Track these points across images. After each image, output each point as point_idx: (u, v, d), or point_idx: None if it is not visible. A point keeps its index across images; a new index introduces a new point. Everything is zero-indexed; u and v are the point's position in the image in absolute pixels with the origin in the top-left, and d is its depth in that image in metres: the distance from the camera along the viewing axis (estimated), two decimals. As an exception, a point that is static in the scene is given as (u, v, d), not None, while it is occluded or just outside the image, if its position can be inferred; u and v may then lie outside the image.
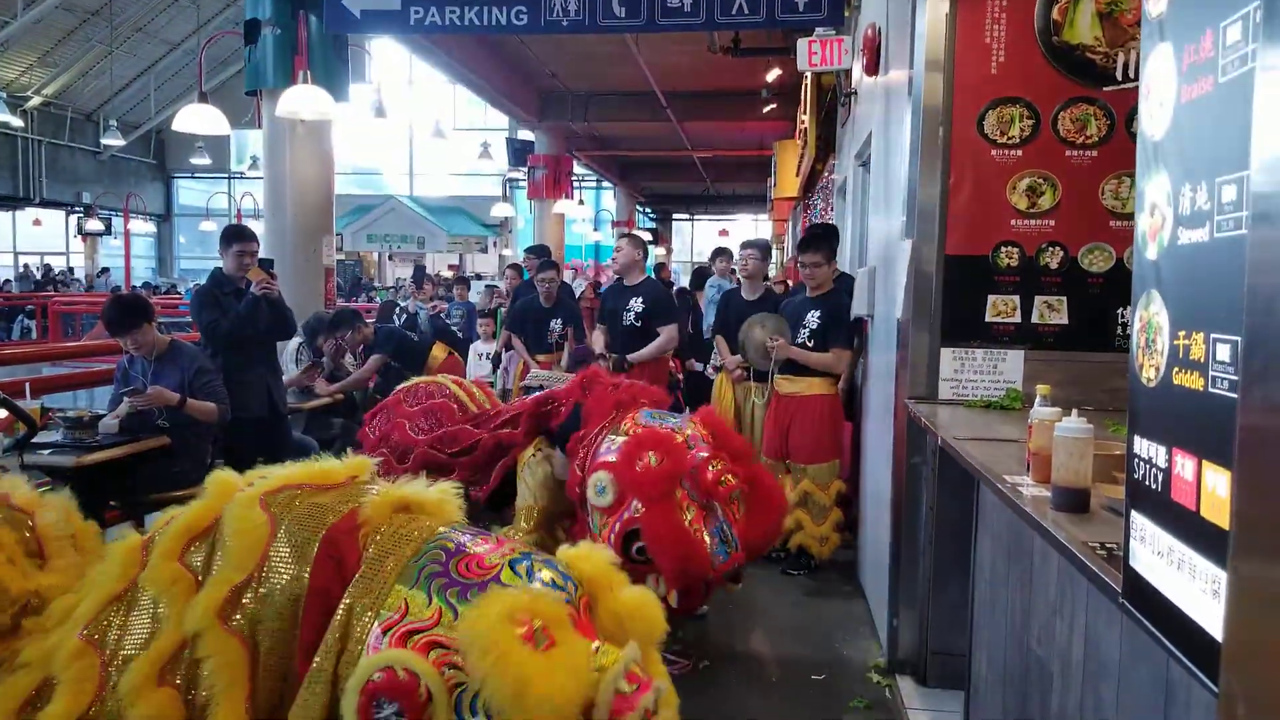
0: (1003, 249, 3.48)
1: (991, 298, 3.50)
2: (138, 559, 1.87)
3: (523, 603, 1.63)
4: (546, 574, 1.79)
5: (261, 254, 5.27)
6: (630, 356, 5.74)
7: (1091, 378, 3.40)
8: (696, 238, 30.43)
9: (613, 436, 3.68)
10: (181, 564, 1.81)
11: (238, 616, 1.74)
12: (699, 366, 7.72)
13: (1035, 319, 3.49)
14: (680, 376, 7.41)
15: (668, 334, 5.80)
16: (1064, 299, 3.47)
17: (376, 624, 1.68)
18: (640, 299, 5.83)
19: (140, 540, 1.92)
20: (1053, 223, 3.45)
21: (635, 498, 3.36)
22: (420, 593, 1.69)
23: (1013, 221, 3.47)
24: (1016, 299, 3.50)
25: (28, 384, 5.07)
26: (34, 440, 3.91)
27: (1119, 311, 3.41)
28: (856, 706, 3.49)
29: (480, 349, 7.56)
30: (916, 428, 3.50)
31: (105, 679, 1.76)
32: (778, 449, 5.03)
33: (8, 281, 22.02)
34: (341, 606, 1.72)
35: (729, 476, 3.50)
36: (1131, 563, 1.34)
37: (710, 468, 3.48)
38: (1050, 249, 3.46)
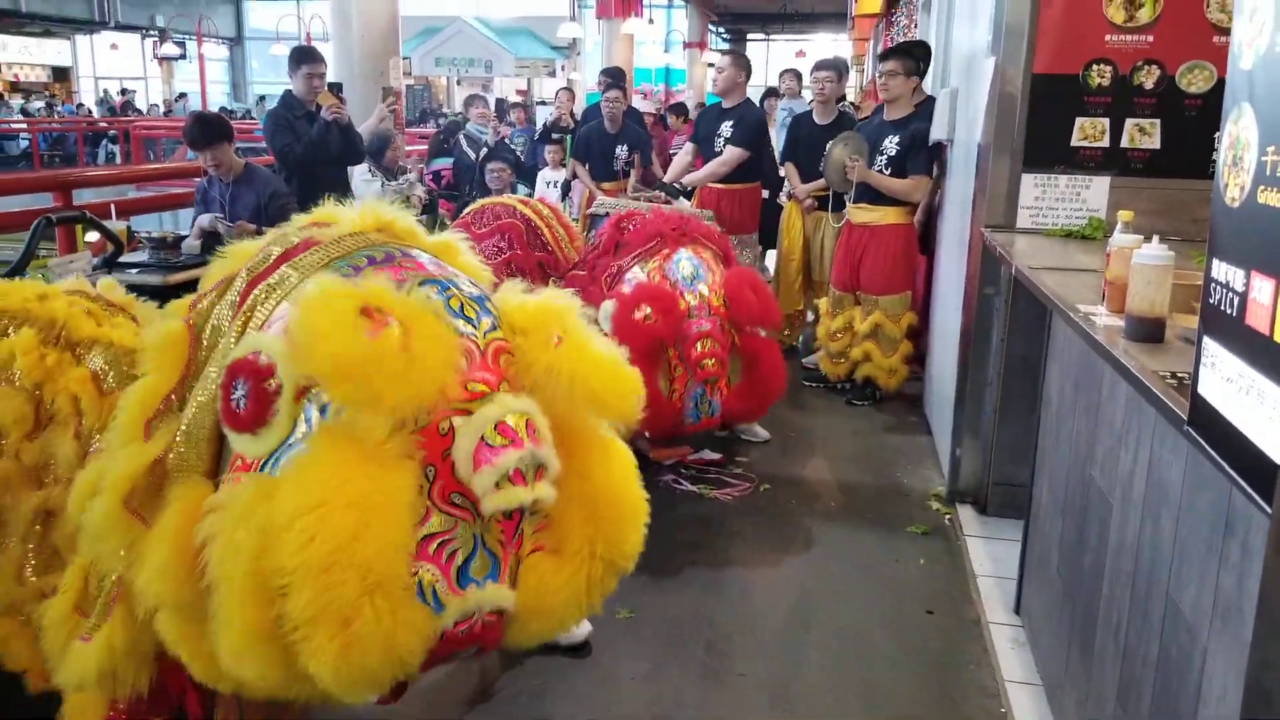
0: (1094, 67, 3.26)
1: (1079, 120, 3.31)
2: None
3: (380, 293, 1.36)
4: (454, 297, 1.51)
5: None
6: (685, 179, 5.61)
7: (1181, 206, 3.24)
8: (771, 60, 29.19)
9: (639, 268, 3.74)
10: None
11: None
12: (766, 194, 7.52)
13: (1125, 143, 3.31)
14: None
15: (728, 155, 5.53)
16: (1157, 122, 3.27)
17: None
18: (731, 122, 5.60)
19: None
20: (1150, 38, 3.20)
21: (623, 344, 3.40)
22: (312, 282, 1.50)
23: (1107, 36, 3.23)
24: (1106, 121, 3.30)
25: (113, 205, 5.19)
26: (121, 260, 4.04)
27: (1216, 136, 3.20)
28: (914, 532, 3.56)
29: (548, 176, 7.45)
30: (991, 257, 3.41)
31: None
32: (848, 280, 4.95)
33: (80, 105, 22.32)
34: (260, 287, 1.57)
35: (710, 361, 3.60)
36: (1199, 389, 1.30)
37: (698, 346, 3.59)
38: (1146, 67, 3.23)
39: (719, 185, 5.60)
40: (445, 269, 1.62)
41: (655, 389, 3.44)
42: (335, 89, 5.18)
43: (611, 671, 2.64)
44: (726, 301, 3.72)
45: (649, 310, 3.52)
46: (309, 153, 4.86)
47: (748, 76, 5.81)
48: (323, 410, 1.39)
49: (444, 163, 8.36)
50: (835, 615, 2.99)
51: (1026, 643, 2.79)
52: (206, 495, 1.46)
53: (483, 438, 1.39)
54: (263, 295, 1.56)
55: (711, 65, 23.87)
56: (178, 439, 1.54)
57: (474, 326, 1.50)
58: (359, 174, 6.28)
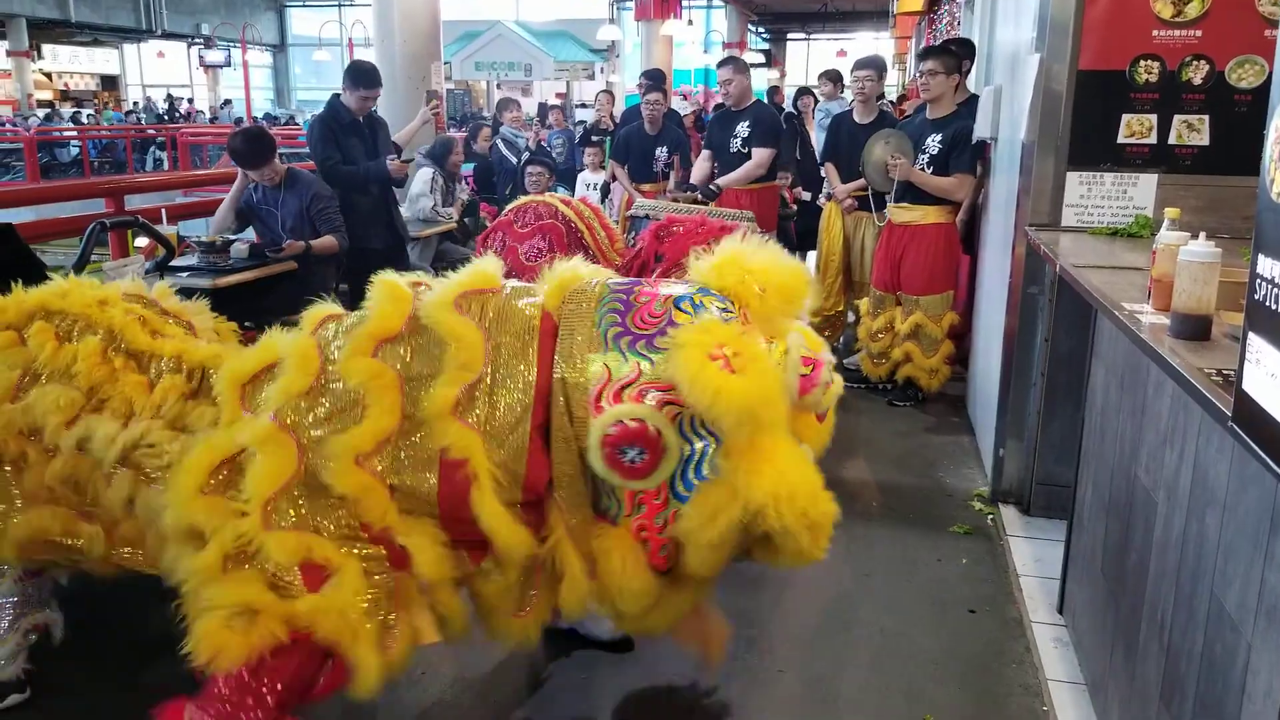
0: (1141, 63, 3.22)
1: (1126, 117, 3.28)
2: (315, 356, 1.97)
3: (706, 338, 1.80)
4: (709, 303, 1.91)
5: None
6: (719, 181, 5.62)
7: (1230, 203, 3.20)
8: (812, 60, 29.03)
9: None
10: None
11: (477, 411, 1.87)
12: (806, 196, 7.50)
13: (1173, 140, 3.27)
14: (794, 207, 7.24)
15: (759, 157, 5.56)
16: (1206, 118, 3.23)
17: (590, 393, 1.87)
18: (746, 123, 5.63)
19: (313, 341, 2.00)
20: (1199, 33, 3.17)
21: None
22: (614, 354, 1.88)
23: (1154, 32, 3.20)
24: (1153, 118, 3.27)
25: (164, 210, 5.30)
26: (172, 264, 4.15)
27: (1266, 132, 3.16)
28: (957, 532, 3.55)
29: (588, 178, 7.49)
30: (1036, 256, 3.39)
31: (302, 457, 1.88)
32: (889, 280, 4.93)
33: (131, 113, 22.78)
34: (555, 382, 1.89)
35: None
36: (1244, 385, 1.30)
37: None
38: (1194, 63, 3.19)
39: (741, 186, 5.63)
40: (656, 285, 2.01)
41: None
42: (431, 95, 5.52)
43: (653, 668, 2.66)
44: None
45: None
46: (348, 181, 4.96)
47: (749, 76, 5.89)
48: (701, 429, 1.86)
49: (466, 168, 8.41)
50: (877, 614, 2.99)
51: (1069, 642, 2.77)
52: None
53: (800, 375, 1.91)
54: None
55: (753, 66, 23.86)
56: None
57: (730, 311, 1.91)
58: (421, 177, 6.34)
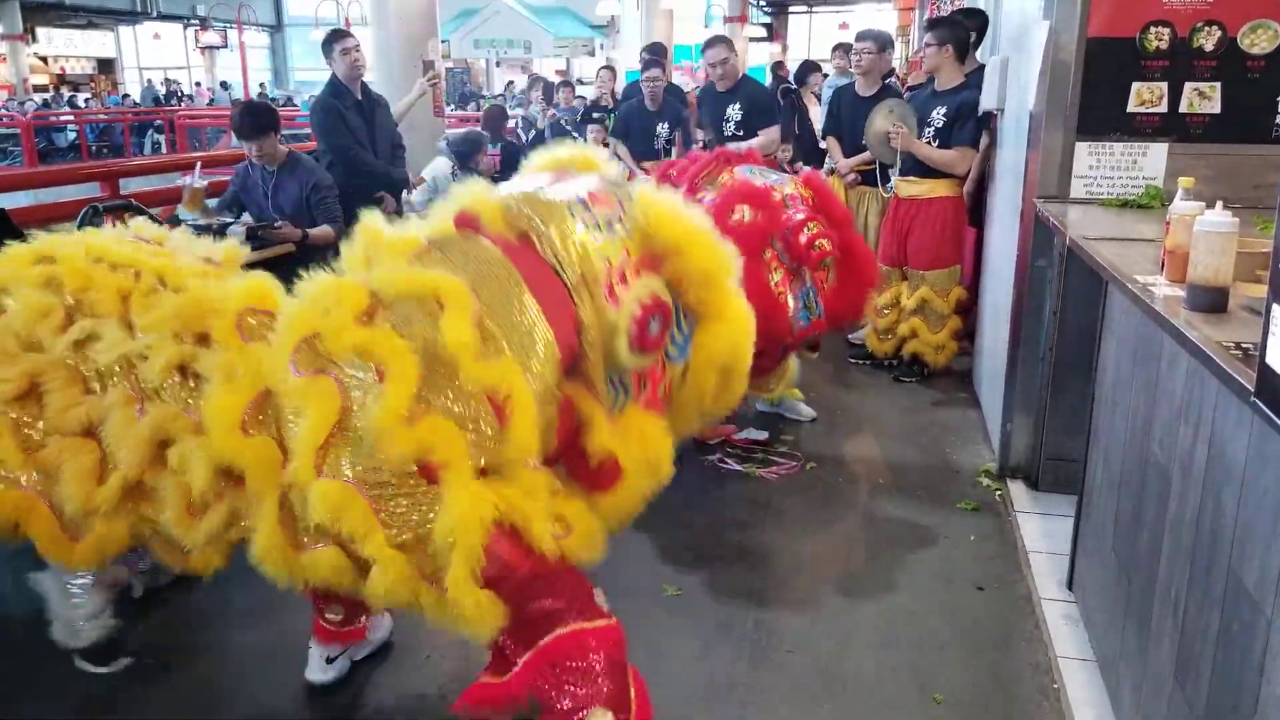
0: (1152, 29, 3.16)
1: (1136, 85, 3.22)
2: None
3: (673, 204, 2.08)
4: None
5: (368, 61, 5.27)
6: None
7: (1243, 172, 3.15)
8: (814, 33, 28.77)
9: (707, 190, 3.56)
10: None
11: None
12: (806, 169, 7.41)
13: (1184, 108, 3.21)
14: None
15: (766, 136, 5.44)
16: (1217, 85, 3.17)
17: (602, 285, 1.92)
18: (737, 104, 5.51)
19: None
20: (1211, -2, 3.10)
21: None
22: (605, 239, 1.95)
23: (1165, -3, 3.13)
24: (1164, 86, 3.21)
25: (199, 163, 5.19)
26: (169, 248, 4.11)
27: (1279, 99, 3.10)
28: (964, 509, 3.52)
29: (591, 155, 7.42)
30: (1044, 228, 3.34)
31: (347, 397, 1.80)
32: (895, 255, 4.88)
33: (127, 97, 22.66)
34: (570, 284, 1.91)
35: (823, 242, 3.38)
36: (1268, 359, 1.26)
37: (805, 230, 3.36)
38: (1206, 29, 3.13)
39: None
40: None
41: (769, 289, 3.28)
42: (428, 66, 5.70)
43: (660, 649, 2.64)
44: (813, 194, 3.56)
45: (746, 209, 3.33)
46: (368, 174, 4.94)
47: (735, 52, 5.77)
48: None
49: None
50: (885, 592, 2.97)
51: (1079, 619, 2.74)
52: None
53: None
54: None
55: (755, 40, 23.64)
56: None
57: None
58: (443, 174, 6.22)
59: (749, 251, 3.16)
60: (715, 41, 5.71)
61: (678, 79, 10.01)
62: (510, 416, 1.77)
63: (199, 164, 4.74)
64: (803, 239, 3.34)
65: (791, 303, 3.35)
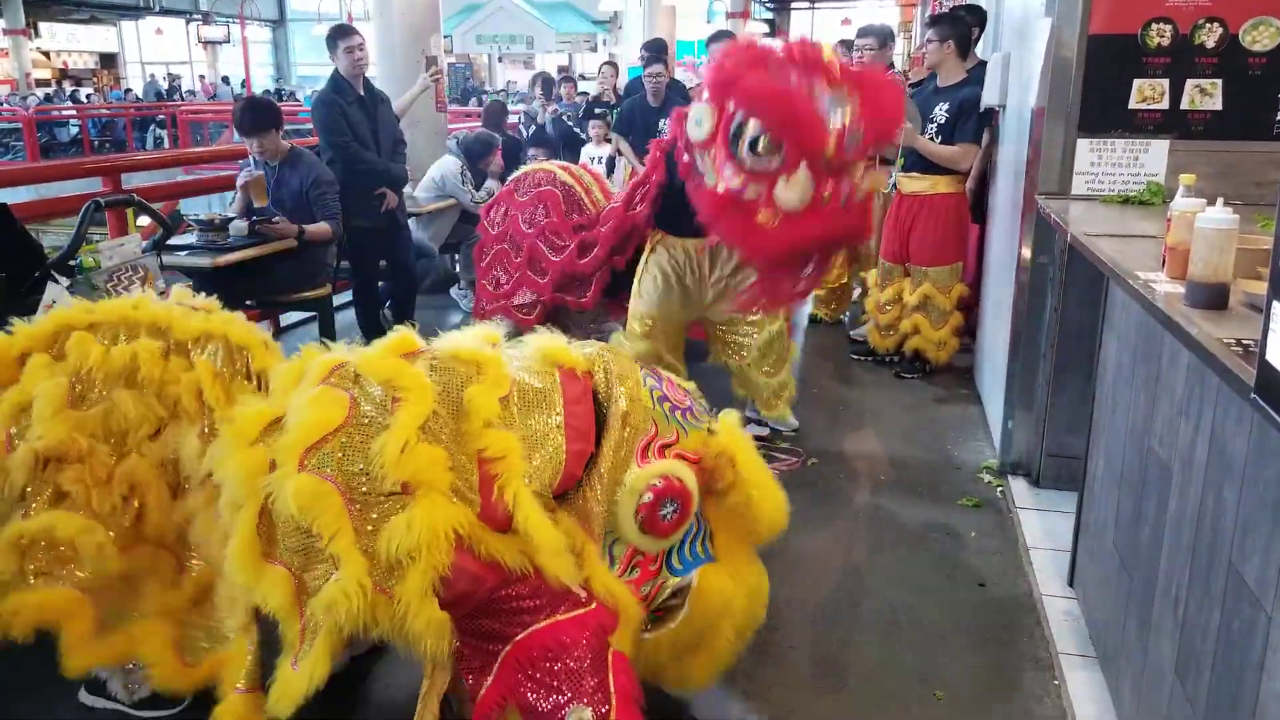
0: (1153, 26, 3.16)
1: (1137, 82, 3.22)
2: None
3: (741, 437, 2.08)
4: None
5: (370, 56, 5.26)
6: None
7: (1244, 169, 3.15)
8: (817, 29, 28.71)
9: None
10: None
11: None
12: None
13: (1185, 105, 3.21)
14: None
15: None
16: (1219, 82, 3.16)
17: (638, 442, 1.93)
18: None
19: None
20: (1213, -6, 3.10)
21: (730, 96, 2.97)
22: (660, 414, 1.96)
23: (1167, -6, 3.13)
24: (1165, 83, 3.20)
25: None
26: (170, 243, 4.11)
27: (1281, 95, 3.10)
28: (965, 505, 3.52)
29: (592, 152, 7.40)
30: (1045, 225, 3.34)
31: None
32: (897, 252, 4.88)
33: (129, 91, 22.64)
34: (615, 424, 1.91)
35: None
36: (1268, 356, 1.26)
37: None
38: (1207, 25, 3.13)
39: None
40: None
41: (784, 87, 2.86)
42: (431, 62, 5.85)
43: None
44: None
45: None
46: (366, 170, 4.92)
47: None
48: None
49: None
50: (886, 589, 2.98)
51: (1080, 615, 2.75)
52: None
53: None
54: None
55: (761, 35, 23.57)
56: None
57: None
58: (451, 173, 6.22)
59: (751, 63, 2.91)
60: (721, 36, 5.75)
61: (680, 75, 9.99)
62: (497, 480, 1.77)
63: (250, 156, 4.71)
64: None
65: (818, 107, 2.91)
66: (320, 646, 1.72)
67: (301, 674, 1.72)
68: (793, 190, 2.84)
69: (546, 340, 2.00)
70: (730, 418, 2.13)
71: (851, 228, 2.99)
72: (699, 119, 3.06)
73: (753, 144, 2.89)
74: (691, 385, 2.22)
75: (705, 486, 2.00)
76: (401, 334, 1.91)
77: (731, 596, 2.03)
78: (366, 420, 1.77)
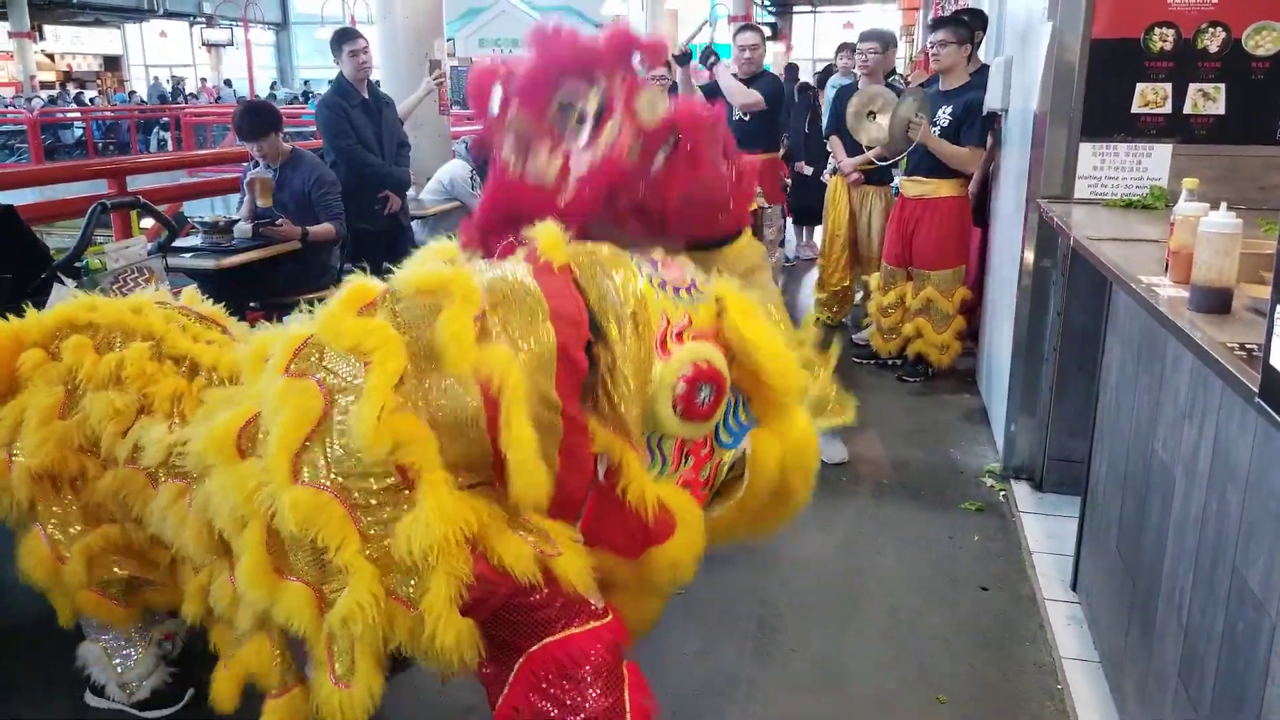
0: (1156, 30, 3.16)
1: (1140, 86, 3.22)
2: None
3: (744, 300, 1.95)
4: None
5: (374, 60, 5.27)
6: None
7: (1247, 174, 3.15)
8: (819, 33, 28.74)
9: None
10: None
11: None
12: (807, 171, 7.41)
13: (1188, 109, 3.21)
14: (788, 180, 7.15)
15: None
16: (1222, 86, 3.17)
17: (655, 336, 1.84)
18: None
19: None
20: (1215, -1, 3.10)
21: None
22: (665, 298, 1.86)
23: (1170, -1, 3.14)
24: (1168, 87, 3.21)
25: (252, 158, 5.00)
26: (175, 245, 4.12)
27: (1285, 99, 3.10)
28: (968, 509, 3.52)
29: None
30: (1048, 229, 3.34)
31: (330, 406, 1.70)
32: (900, 255, 4.88)
33: (133, 94, 22.67)
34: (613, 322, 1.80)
35: None
36: (1271, 360, 1.27)
37: None
38: (1210, 30, 3.13)
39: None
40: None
41: None
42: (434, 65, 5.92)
43: (663, 648, 2.65)
44: None
45: None
46: (370, 173, 4.94)
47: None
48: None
49: None
50: (888, 592, 2.97)
51: (1084, 619, 2.75)
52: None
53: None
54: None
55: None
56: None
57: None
58: (461, 177, 6.21)
59: None
60: (751, 27, 5.80)
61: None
62: (503, 411, 1.63)
63: (252, 159, 4.71)
64: None
65: None
66: (365, 660, 1.65)
67: (359, 692, 1.64)
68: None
69: (539, 230, 1.87)
70: (725, 283, 1.99)
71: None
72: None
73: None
74: None
75: (729, 356, 1.90)
76: (357, 284, 1.77)
77: (783, 453, 1.99)
78: (346, 411, 1.66)
